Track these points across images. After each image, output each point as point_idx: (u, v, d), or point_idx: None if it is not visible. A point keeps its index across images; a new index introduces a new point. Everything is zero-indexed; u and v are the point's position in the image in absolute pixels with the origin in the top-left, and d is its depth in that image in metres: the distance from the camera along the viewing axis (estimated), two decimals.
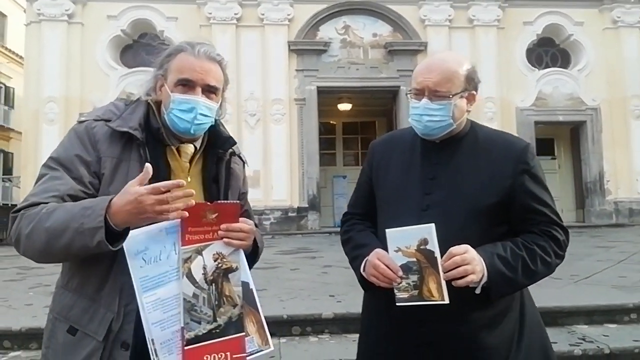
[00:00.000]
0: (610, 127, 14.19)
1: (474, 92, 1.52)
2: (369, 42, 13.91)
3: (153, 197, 1.15)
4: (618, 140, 14.13)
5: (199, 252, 1.25)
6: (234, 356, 1.26)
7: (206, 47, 1.41)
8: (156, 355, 1.18)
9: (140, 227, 1.22)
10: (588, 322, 3.76)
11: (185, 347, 1.21)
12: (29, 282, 5.74)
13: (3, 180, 20.22)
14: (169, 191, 1.16)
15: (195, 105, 1.37)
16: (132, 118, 1.38)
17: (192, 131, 1.39)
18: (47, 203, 1.25)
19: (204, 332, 1.23)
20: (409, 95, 1.54)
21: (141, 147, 1.36)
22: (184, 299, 1.22)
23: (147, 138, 1.37)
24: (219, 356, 1.24)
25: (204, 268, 1.25)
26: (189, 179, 1.43)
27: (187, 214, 1.20)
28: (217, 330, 1.25)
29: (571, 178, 15.24)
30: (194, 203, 1.21)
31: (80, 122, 1.41)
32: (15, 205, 1.35)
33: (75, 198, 1.28)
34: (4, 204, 17.90)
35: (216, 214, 1.27)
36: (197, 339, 1.22)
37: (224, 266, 1.28)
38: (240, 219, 1.34)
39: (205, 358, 1.23)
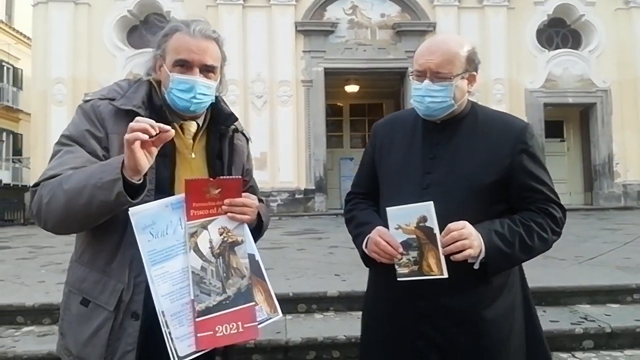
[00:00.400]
0: (620, 109, 14.04)
1: (475, 73, 1.54)
2: (376, 22, 13.76)
3: (127, 134, 1.18)
4: (628, 123, 13.99)
5: (204, 226, 1.28)
6: (245, 325, 1.29)
7: (202, 25, 1.42)
8: (167, 326, 1.21)
9: (146, 202, 1.26)
10: (590, 302, 3.78)
11: (197, 319, 1.24)
12: (40, 261, 5.85)
13: (13, 162, 20.45)
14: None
15: (193, 85, 1.39)
16: (135, 97, 1.41)
17: (192, 109, 1.42)
18: None
19: (214, 303, 1.26)
20: (411, 77, 1.57)
21: None
22: (192, 272, 1.25)
23: (150, 116, 1.38)
24: (231, 326, 1.27)
25: (210, 242, 1.29)
26: (193, 156, 1.47)
27: (147, 133, 1.19)
28: (227, 301, 1.28)
29: (580, 160, 15.15)
30: (169, 130, 1.21)
31: (86, 100, 1.44)
32: (26, 186, 1.39)
33: None
34: (14, 184, 18.12)
35: (219, 190, 1.29)
36: (207, 311, 1.25)
37: (230, 240, 1.32)
38: (244, 194, 1.37)
39: (217, 328, 1.25)
